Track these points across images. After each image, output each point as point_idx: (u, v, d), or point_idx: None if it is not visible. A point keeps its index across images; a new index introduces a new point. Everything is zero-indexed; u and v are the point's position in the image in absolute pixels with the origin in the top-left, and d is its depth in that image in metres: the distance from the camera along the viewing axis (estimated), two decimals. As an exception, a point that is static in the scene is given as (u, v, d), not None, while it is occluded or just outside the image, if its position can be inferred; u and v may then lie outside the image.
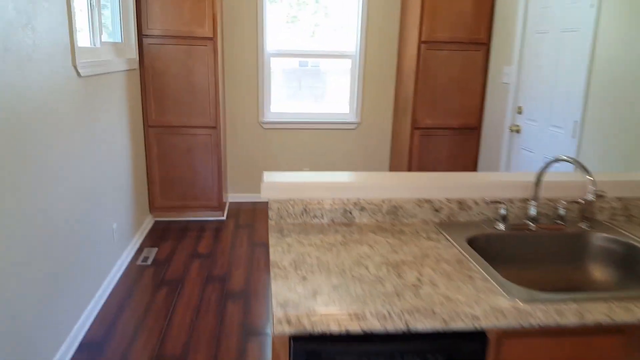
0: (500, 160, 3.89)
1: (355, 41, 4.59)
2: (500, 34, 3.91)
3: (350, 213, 1.67)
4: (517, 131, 3.68)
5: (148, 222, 4.04)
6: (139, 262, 3.42)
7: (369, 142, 4.82)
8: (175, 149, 4.03)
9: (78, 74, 2.55)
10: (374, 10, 4.48)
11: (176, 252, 3.61)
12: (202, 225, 4.15)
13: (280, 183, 1.63)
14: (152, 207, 4.12)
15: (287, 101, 4.75)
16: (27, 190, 2.03)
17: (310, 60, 4.70)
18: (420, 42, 4.00)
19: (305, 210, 1.65)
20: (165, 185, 4.10)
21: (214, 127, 4.02)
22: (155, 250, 3.62)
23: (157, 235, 3.91)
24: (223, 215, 4.31)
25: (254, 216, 4.40)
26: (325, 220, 1.67)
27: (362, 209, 1.67)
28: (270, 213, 1.64)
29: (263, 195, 1.63)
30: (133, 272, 3.27)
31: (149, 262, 3.42)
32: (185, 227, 4.11)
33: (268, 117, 4.65)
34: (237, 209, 4.57)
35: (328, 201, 1.66)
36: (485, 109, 4.18)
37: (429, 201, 1.70)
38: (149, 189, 4.09)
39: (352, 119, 4.76)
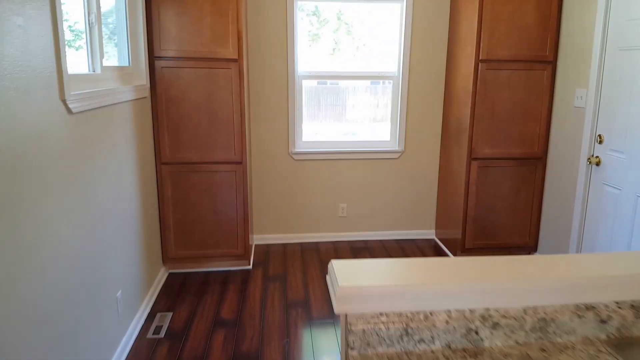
0: (576, 198, 3.26)
1: (397, 60, 4.03)
2: (570, 52, 3.31)
3: (477, 333, 1.08)
4: (597, 163, 3.07)
5: (162, 276, 3.46)
6: (149, 334, 2.81)
7: (414, 174, 4.23)
8: (193, 189, 3.47)
9: (68, 110, 1.99)
10: (418, 25, 3.92)
11: (195, 317, 3.01)
12: (225, 277, 3.56)
13: (367, 289, 1.04)
14: (166, 258, 3.55)
15: (317, 126, 4.18)
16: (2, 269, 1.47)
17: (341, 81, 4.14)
18: (478, 60, 3.42)
19: (406, 331, 1.06)
20: (181, 231, 3.53)
21: (239, 163, 3.46)
22: (169, 316, 3.02)
23: (172, 292, 3.32)
24: (249, 264, 3.72)
25: (284, 263, 3.81)
26: (436, 346, 1.07)
27: (495, 325, 1.08)
28: (350, 339, 1.05)
29: (338, 310, 1.05)
30: (143, 349, 2.67)
31: (162, 333, 2.82)
32: (205, 279, 3.53)
33: (299, 147, 4.08)
34: (265, 254, 3.98)
35: (442, 315, 1.07)
36: (551, 136, 3.57)
37: (591, 307, 1.11)
38: (162, 237, 3.52)
39: (395, 147, 4.17)
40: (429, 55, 3.99)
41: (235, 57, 3.25)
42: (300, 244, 4.21)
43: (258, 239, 4.19)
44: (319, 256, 3.95)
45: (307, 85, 4.04)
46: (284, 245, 4.18)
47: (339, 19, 3.95)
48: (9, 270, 1.50)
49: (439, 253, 4.03)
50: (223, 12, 3.18)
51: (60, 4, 1.88)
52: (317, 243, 4.22)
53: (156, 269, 3.37)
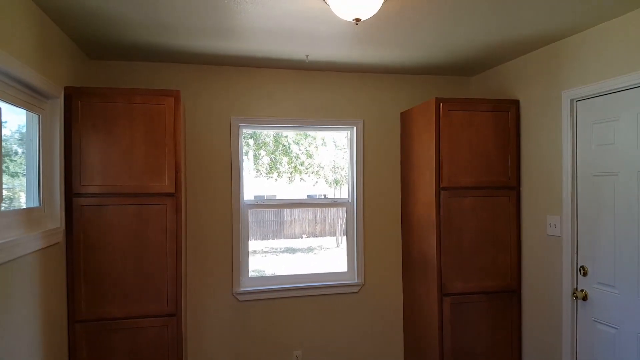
0: (563, 338, 2.92)
1: (349, 187, 3.75)
2: (534, 177, 3.18)
3: None
4: (584, 298, 2.78)
5: None
6: None
7: (377, 310, 3.76)
8: (114, 353, 2.77)
9: None
10: (370, 151, 3.72)
11: None
12: None
13: None
14: None
15: (266, 249, 3.71)
16: None
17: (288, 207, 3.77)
18: (439, 188, 3.19)
19: None
20: (97, 407, 2.77)
21: (172, 315, 2.85)
22: None
23: None
24: None
25: None
26: None
27: None
28: None
29: None
30: None
31: None
32: None
33: (245, 286, 3.54)
34: (203, 422, 3.22)
35: None
36: (524, 267, 3.30)
37: None
38: (71, 417, 2.73)
39: (353, 279, 3.74)
40: (383, 180, 3.76)
41: (172, 190, 2.80)
42: (248, 405, 3.48)
43: (196, 402, 3.43)
44: (271, 421, 3.24)
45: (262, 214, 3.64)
46: (228, 408, 3.44)
47: (276, 141, 3.69)
48: None
49: (412, 404, 3.46)
50: (158, 142, 2.77)
51: None
52: (268, 402, 3.52)
53: None
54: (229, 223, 3.47)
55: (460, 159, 3.21)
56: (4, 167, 2.18)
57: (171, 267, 2.83)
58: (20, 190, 2.40)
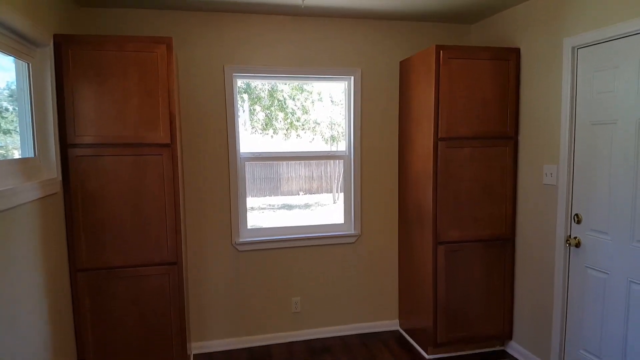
0: (555, 282, 2.99)
1: (346, 139, 3.73)
2: (532, 127, 3.16)
3: None
4: (577, 245, 2.83)
5: (77, 410, 2.75)
6: None
7: (372, 259, 3.83)
8: (118, 299, 2.84)
9: None
10: (367, 102, 3.67)
11: None
12: (158, 405, 2.89)
13: None
14: (84, 386, 2.85)
15: (263, 205, 3.73)
16: None
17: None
18: (437, 138, 3.18)
19: None
20: (103, 351, 2.85)
21: (174, 263, 2.90)
22: None
23: None
24: (188, 384, 3.08)
25: (230, 377, 3.19)
26: None
27: None
28: None
29: None
30: None
31: None
32: (134, 410, 2.84)
33: (244, 236, 3.58)
34: (206, 366, 3.35)
35: None
36: (518, 215, 3.34)
37: None
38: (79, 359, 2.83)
39: (350, 230, 3.78)
40: (381, 133, 3.73)
41: (168, 141, 2.78)
42: (249, 349, 3.60)
43: (197, 347, 3.55)
44: (271, 364, 3.37)
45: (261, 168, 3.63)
46: (229, 352, 3.55)
47: (271, 95, 3.62)
48: None
49: (407, 348, 3.58)
50: (152, 91, 2.73)
51: None
52: (268, 347, 3.64)
53: (69, 406, 2.66)
54: (226, 174, 3.47)
55: (459, 109, 3.18)
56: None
57: (170, 217, 2.85)
58: (14, 148, 2.38)
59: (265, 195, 3.72)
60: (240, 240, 3.53)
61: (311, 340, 3.74)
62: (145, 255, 2.85)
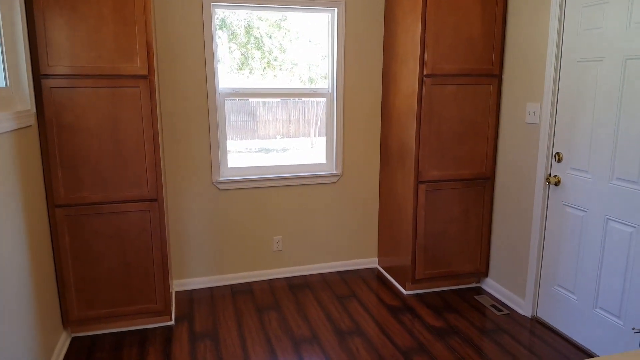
0: (533, 220, 3.08)
1: (328, 76, 3.65)
2: (517, 64, 3.14)
3: None
4: (556, 183, 2.89)
5: (63, 343, 2.76)
6: None
7: (353, 199, 3.86)
8: (98, 235, 2.81)
9: None
10: (351, 38, 3.58)
11: (110, 398, 2.39)
12: (142, 338, 2.93)
13: None
14: (67, 321, 2.85)
15: (240, 149, 3.68)
16: None
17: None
18: (423, 75, 3.14)
19: None
20: (84, 287, 2.85)
21: (154, 200, 2.86)
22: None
23: (76, 367, 2.66)
24: (171, 319, 3.11)
25: (214, 313, 3.24)
26: None
27: None
28: None
29: None
30: None
31: None
32: (119, 342, 2.88)
33: (225, 175, 3.55)
34: (189, 303, 3.38)
35: None
36: (499, 154, 3.38)
37: None
38: (60, 296, 2.82)
39: (332, 170, 3.78)
40: (364, 70, 3.66)
41: (145, 72, 2.67)
42: (231, 286, 3.66)
43: (179, 284, 3.58)
44: (254, 300, 3.43)
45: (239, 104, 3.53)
46: (211, 289, 3.60)
47: (248, 33, 3.48)
48: None
49: (385, 284, 3.69)
50: (127, 19, 2.59)
51: None
52: (250, 283, 3.70)
53: (55, 336, 2.67)
54: (205, 110, 3.39)
55: (445, 45, 3.13)
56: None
57: (149, 153, 2.78)
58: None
59: (242, 139, 3.65)
60: (221, 178, 3.50)
61: (292, 277, 3.81)
62: (125, 191, 2.80)
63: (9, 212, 2.10)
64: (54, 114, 2.60)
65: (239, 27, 3.46)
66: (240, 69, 3.51)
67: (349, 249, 3.94)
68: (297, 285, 3.65)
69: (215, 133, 3.43)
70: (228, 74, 3.47)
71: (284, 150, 3.74)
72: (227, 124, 3.53)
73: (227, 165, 3.56)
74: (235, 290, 3.57)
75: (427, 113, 3.19)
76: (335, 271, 3.92)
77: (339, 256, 3.92)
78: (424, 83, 3.14)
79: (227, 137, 3.55)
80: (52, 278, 2.72)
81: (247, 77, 3.53)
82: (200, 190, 3.48)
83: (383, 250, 3.89)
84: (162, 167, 2.91)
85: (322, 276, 3.83)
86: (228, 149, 3.56)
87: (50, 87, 2.56)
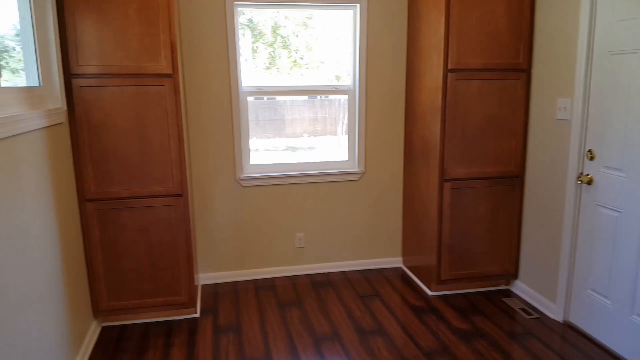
0: (565, 220, 2.96)
1: (351, 73, 3.64)
2: (547, 58, 3.03)
3: None
4: (589, 182, 2.77)
5: (93, 332, 2.88)
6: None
7: (376, 197, 3.83)
8: (126, 229, 2.91)
9: None
10: (374, 34, 3.55)
11: (133, 386, 2.48)
12: (168, 329, 3.02)
13: None
14: (98, 310, 2.97)
15: (266, 145, 3.72)
16: None
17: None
18: (447, 70, 3.08)
19: None
20: (113, 279, 2.96)
21: (179, 195, 2.94)
22: (101, 385, 2.48)
23: (107, 350, 2.75)
24: (196, 311, 3.19)
25: (237, 307, 3.30)
26: None
27: None
28: None
29: None
30: None
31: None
32: (145, 333, 2.97)
33: (247, 172, 3.60)
34: (214, 296, 3.45)
35: None
36: (529, 152, 3.27)
37: None
38: (91, 287, 2.94)
39: (354, 167, 3.77)
40: (387, 66, 3.63)
41: (169, 71, 2.75)
42: (254, 281, 3.71)
43: (204, 278, 3.66)
44: (276, 296, 3.46)
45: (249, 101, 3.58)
46: (235, 283, 3.67)
47: (274, 32, 3.51)
48: None
49: (409, 284, 3.64)
50: (152, 19, 2.67)
51: None
52: (272, 279, 3.74)
53: (86, 323, 2.79)
54: (229, 108, 3.45)
55: (470, 39, 3.06)
56: (3, 64, 2.14)
57: (174, 149, 2.86)
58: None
59: (269, 137, 3.69)
60: (244, 175, 3.55)
61: (314, 274, 3.83)
62: (152, 187, 2.89)
63: (41, 206, 2.21)
64: (84, 112, 2.71)
65: (266, 27, 3.50)
66: (268, 68, 3.55)
67: (372, 247, 3.91)
68: (319, 283, 3.66)
69: (238, 131, 3.49)
70: (255, 73, 3.51)
71: (311, 148, 3.76)
72: (255, 123, 3.58)
73: (250, 162, 3.61)
74: (259, 286, 3.62)
75: (451, 109, 3.13)
76: (357, 270, 3.91)
77: (362, 254, 3.90)
78: (448, 78, 3.08)
79: (255, 135, 3.60)
80: (83, 269, 2.84)
81: (275, 76, 3.57)
82: (224, 187, 3.55)
83: (407, 250, 3.84)
84: (188, 163, 2.99)
85: (345, 274, 3.82)
86: (256, 147, 3.61)
87: (80, 86, 2.67)
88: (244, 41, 3.46)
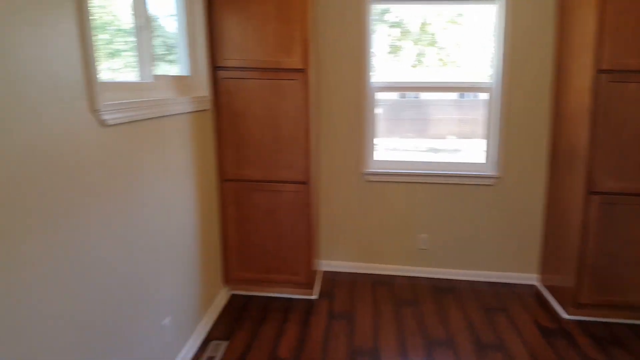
0: None
1: (492, 69, 3.41)
2: None
3: None
4: None
5: (223, 296, 3.24)
6: (199, 364, 2.61)
7: (513, 205, 3.54)
8: (256, 209, 3.20)
9: (101, 122, 1.80)
10: (517, 30, 3.28)
11: (250, 350, 2.72)
12: (287, 306, 3.23)
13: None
14: (228, 278, 3.32)
15: (396, 143, 3.70)
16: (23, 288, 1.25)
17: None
18: (598, 70, 2.71)
19: None
20: (244, 252, 3.28)
21: (304, 183, 3.12)
22: (224, 346, 2.76)
23: (232, 315, 3.09)
24: (313, 294, 3.35)
25: (353, 297, 3.37)
26: None
27: None
28: None
29: None
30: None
31: (212, 365, 2.60)
32: (267, 306, 3.23)
33: (373, 167, 3.63)
34: (332, 283, 3.58)
35: None
36: None
37: None
38: (224, 257, 3.29)
39: (490, 171, 3.54)
40: (531, 64, 3.32)
41: (301, 66, 2.93)
42: (372, 275, 3.74)
43: (326, 265, 3.81)
44: (393, 293, 3.44)
45: (386, 98, 3.59)
46: (354, 275, 3.74)
47: (422, 29, 3.44)
48: (40, 295, 1.30)
49: (542, 304, 3.30)
50: (288, 17, 2.88)
51: (87, 6, 1.69)
52: (392, 277, 3.72)
53: (216, 289, 3.16)
54: (358, 104, 3.51)
55: (628, 37, 2.65)
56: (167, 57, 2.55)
57: (302, 140, 3.04)
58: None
59: (410, 137, 3.65)
60: (368, 170, 3.59)
61: (435, 278, 3.70)
62: (280, 173, 3.11)
63: (184, 180, 2.57)
64: (226, 101, 3.05)
65: (411, 24, 3.47)
66: (414, 66, 3.52)
67: (503, 259, 3.62)
68: (440, 288, 3.53)
69: (365, 125, 3.54)
70: (400, 70, 3.51)
71: (455, 151, 3.62)
72: (395, 121, 3.60)
73: (375, 157, 3.63)
74: (376, 281, 3.64)
75: (602, 113, 2.75)
76: (485, 281, 3.66)
77: (491, 266, 3.64)
78: (600, 79, 2.71)
79: (394, 134, 3.62)
80: (218, 241, 3.20)
81: (420, 74, 3.51)
82: (349, 180, 3.63)
83: (545, 267, 3.48)
84: (316, 154, 3.15)
85: (470, 284, 3.61)
86: (394, 146, 3.63)
87: (223, 78, 3.01)
88: (387, 38, 3.49)
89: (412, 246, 3.69)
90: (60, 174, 1.59)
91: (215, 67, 3.00)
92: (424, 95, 3.62)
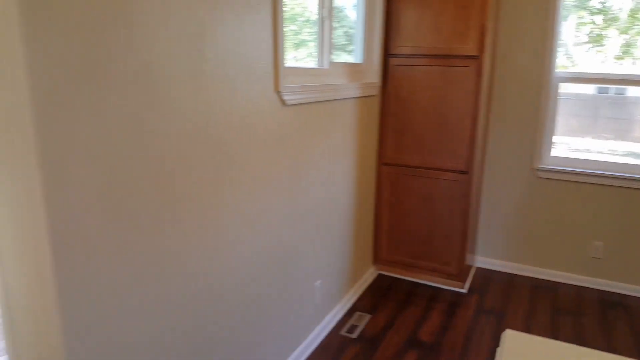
0: None
1: None
2: None
3: None
4: None
5: (370, 275, 3.37)
6: (343, 331, 2.76)
7: None
8: (411, 194, 3.24)
9: (282, 101, 2.04)
10: None
11: (392, 327, 2.82)
12: (433, 294, 3.24)
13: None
14: (377, 259, 3.44)
15: (576, 142, 3.38)
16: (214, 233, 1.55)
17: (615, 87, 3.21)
18: None
19: None
20: (394, 235, 3.36)
21: (465, 172, 3.06)
22: (367, 318, 2.91)
23: (377, 293, 3.20)
24: (464, 287, 3.29)
25: (506, 297, 3.23)
26: None
27: None
28: None
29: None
30: (333, 345, 2.63)
31: (355, 334, 2.73)
32: (412, 290, 3.28)
33: (547, 163, 3.38)
34: (486, 280, 3.47)
35: None
36: None
37: None
38: (375, 237, 3.42)
39: (689, 179, 3.05)
40: None
41: (476, 53, 2.85)
42: (532, 279, 3.51)
43: (481, 261, 3.68)
44: (553, 300, 3.21)
45: (578, 92, 3.29)
46: (511, 275, 3.55)
47: (630, 16, 3.03)
48: (216, 250, 1.60)
49: None
50: (466, 3, 2.81)
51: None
52: (554, 283, 3.45)
53: (366, 266, 3.32)
54: (536, 94, 3.27)
55: None
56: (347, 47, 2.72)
57: (468, 128, 2.98)
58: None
59: (606, 138, 3.29)
60: (542, 166, 3.35)
61: (606, 291, 3.32)
62: (440, 160, 3.10)
63: (346, 162, 2.74)
64: (394, 88, 3.12)
65: (620, 11, 3.11)
66: (619, 58, 3.16)
67: (701, 282, 3.11)
68: (610, 302, 3.18)
69: (543, 117, 3.29)
70: (603, 62, 3.18)
71: None
72: (593, 119, 3.32)
73: (550, 153, 3.37)
74: (536, 285, 3.41)
75: None
76: (670, 303, 3.19)
77: (680, 286, 3.16)
78: None
79: (589, 134, 3.33)
80: (371, 222, 3.33)
81: (627, 67, 3.13)
82: (518, 174, 3.44)
83: None
84: (482, 143, 3.06)
85: (649, 303, 3.19)
86: (587, 148, 3.34)
87: (394, 65, 3.08)
88: (585, 27, 3.18)
89: (583, 253, 3.37)
90: (246, 144, 1.84)
91: (387, 54, 3.09)
92: (631, 92, 3.21)
